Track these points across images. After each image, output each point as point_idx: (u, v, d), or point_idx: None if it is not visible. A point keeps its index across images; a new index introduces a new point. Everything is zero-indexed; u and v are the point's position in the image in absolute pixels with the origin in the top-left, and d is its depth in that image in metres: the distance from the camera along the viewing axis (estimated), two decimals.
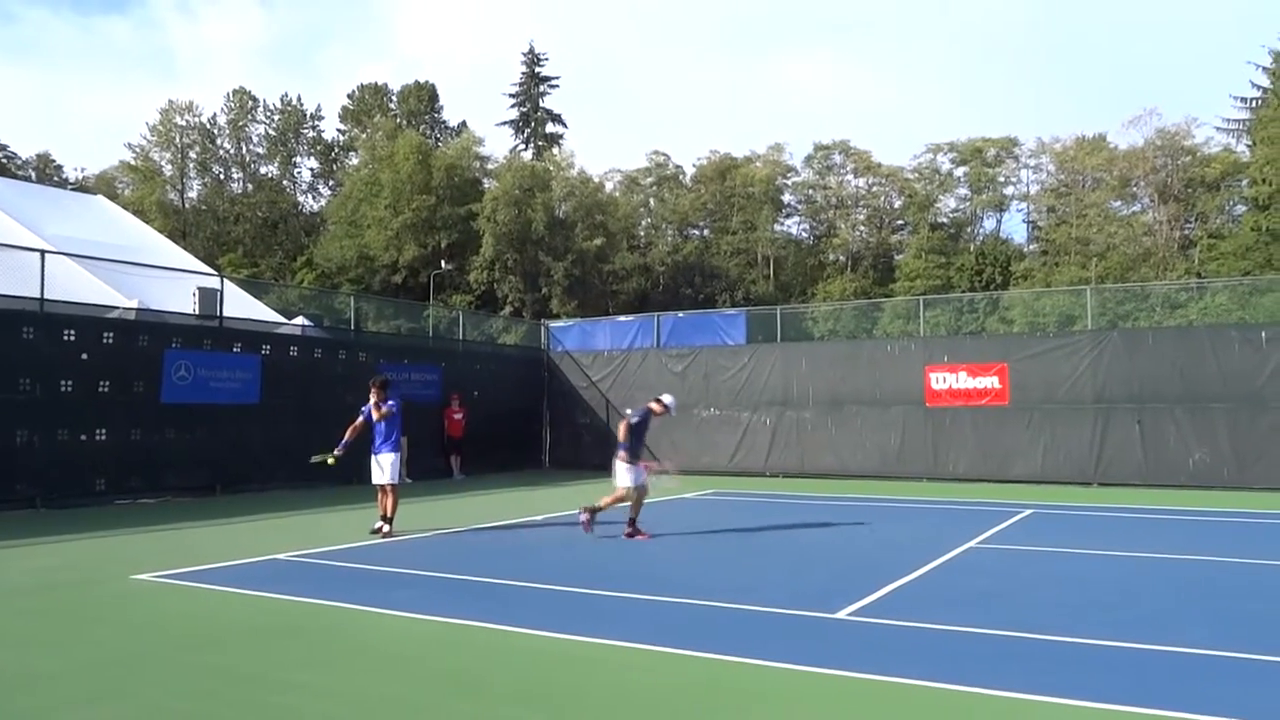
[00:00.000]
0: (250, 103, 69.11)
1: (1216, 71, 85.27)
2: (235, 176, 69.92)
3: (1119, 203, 54.95)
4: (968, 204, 61.82)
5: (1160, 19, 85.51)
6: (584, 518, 11.55)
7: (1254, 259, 42.96)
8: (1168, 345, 19.07)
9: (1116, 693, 5.10)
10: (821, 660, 5.83)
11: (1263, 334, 18.30)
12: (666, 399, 11.86)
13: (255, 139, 69.85)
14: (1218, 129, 53.16)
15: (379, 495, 11.99)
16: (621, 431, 11.52)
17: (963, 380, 20.41)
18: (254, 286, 29.31)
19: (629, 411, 12.03)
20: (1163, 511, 14.62)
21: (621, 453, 11.41)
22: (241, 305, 21.12)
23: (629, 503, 11.52)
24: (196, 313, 17.44)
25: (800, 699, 5.23)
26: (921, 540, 11.38)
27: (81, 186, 63.37)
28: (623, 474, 11.43)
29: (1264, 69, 50.06)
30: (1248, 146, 50.60)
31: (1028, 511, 14.54)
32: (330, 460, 11.94)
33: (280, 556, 10.05)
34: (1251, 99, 51.06)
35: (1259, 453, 17.76)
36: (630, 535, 11.35)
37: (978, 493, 17.76)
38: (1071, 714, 4.86)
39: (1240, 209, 51.15)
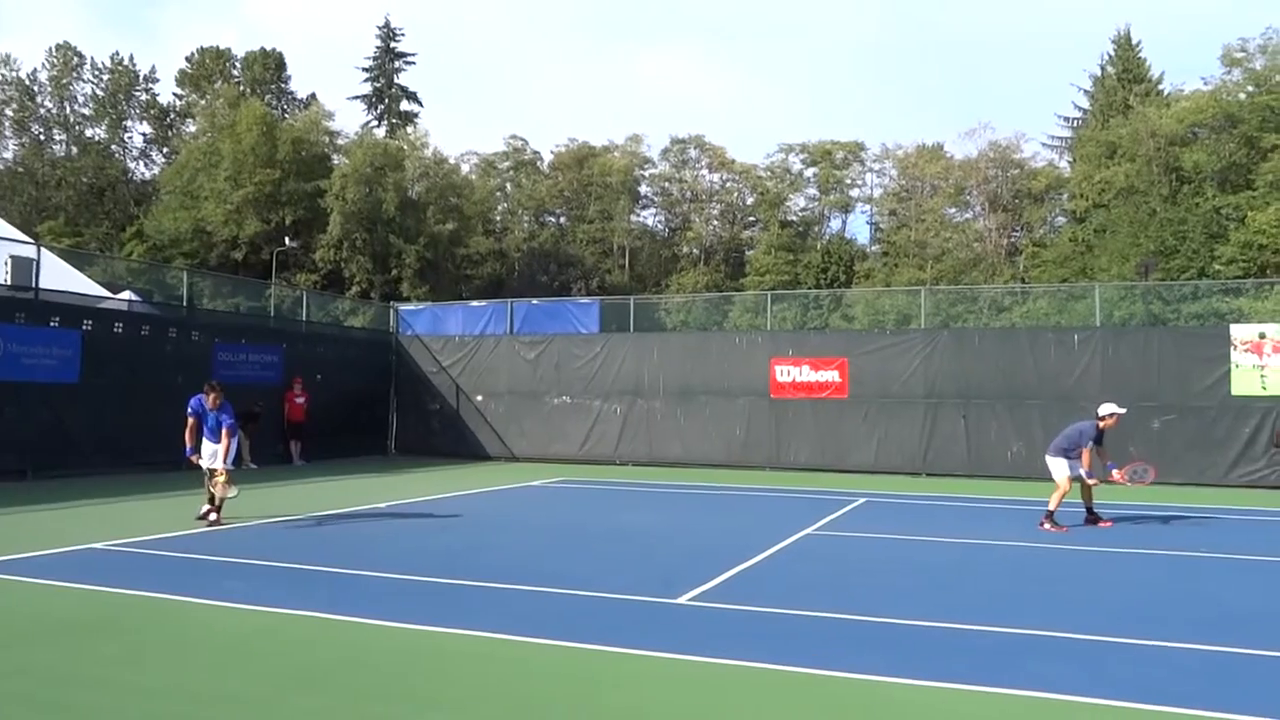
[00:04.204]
0: (75, 59, 64.15)
1: (1044, 91, 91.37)
2: (58, 138, 64.72)
3: (954, 209, 58.07)
4: (816, 204, 63.98)
5: (996, 38, 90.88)
6: (1048, 526, 11.65)
7: (1071, 267, 46.29)
8: (992, 345, 20.36)
9: (947, 672, 5.41)
10: (663, 645, 5.94)
11: (1075, 337, 19.78)
12: (1109, 408, 12.12)
13: (81, 99, 64.95)
14: (1044, 145, 57.20)
15: (206, 480, 11.34)
16: (1086, 459, 11.74)
17: (805, 373, 21.16)
18: (76, 257, 27.36)
19: (1081, 434, 11.97)
20: (985, 500, 15.61)
21: (1076, 461, 11.81)
22: (61, 277, 19.73)
23: (1064, 494, 11.81)
24: (8, 283, 16.20)
25: (644, 683, 5.32)
26: (762, 527, 11.74)
27: None
28: (1059, 467, 11.89)
29: (1085, 91, 54.07)
30: (1069, 163, 54.48)
31: (862, 500, 15.22)
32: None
33: (97, 546, 9.44)
34: (1073, 118, 55.07)
35: None
36: (1092, 522, 11.91)
37: (816, 481, 18.47)
38: (905, 693, 5.13)
39: (1061, 220, 55.00)
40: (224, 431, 11.09)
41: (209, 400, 11.18)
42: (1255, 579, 8.81)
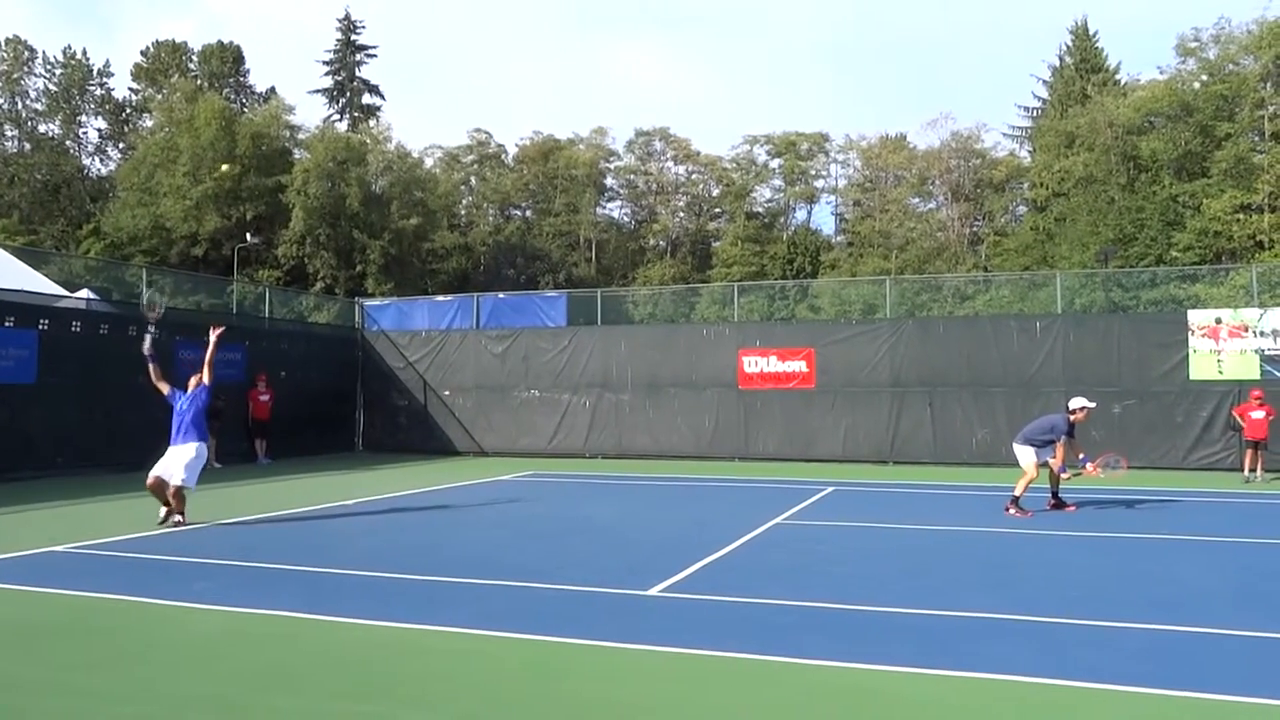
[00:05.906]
0: (27, 53, 62.75)
1: (1004, 81, 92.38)
2: (9, 134, 63.27)
3: (917, 199, 58.56)
4: (781, 195, 64.19)
5: (957, 29, 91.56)
6: (1013, 511, 11.76)
7: (1032, 255, 46.85)
8: (956, 334, 20.60)
9: (915, 657, 5.48)
10: (635, 637, 5.97)
11: (1037, 324, 20.06)
12: (1080, 402, 12.27)
13: (33, 94, 63.53)
14: (1004, 135, 57.68)
15: (158, 488, 10.80)
16: (1060, 454, 11.89)
17: (773, 364, 21.28)
18: (31, 256, 26.74)
19: (1053, 429, 12.05)
20: (950, 487, 15.77)
21: (1043, 450, 12.07)
22: (16, 276, 19.28)
23: (1032, 480, 12.00)
24: None
25: (616, 675, 5.34)
26: (730, 518, 11.79)
27: None
28: (1026, 454, 12.08)
29: (1044, 81, 54.68)
30: (1029, 152, 55.12)
31: (830, 489, 15.33)
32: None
33: (58, 549, 9.27)
34: (1033, 108, 55.67)
35: None
36: (1056, 506, 12.21)
37: (784, 471, 18.58)
38: (874, 679, 5.19)
39: (1022, 209, 55.62)
40: (193, 420, 10.89)
41: (192, 383, 11.22)
42: (1212, 560, 8.99)
